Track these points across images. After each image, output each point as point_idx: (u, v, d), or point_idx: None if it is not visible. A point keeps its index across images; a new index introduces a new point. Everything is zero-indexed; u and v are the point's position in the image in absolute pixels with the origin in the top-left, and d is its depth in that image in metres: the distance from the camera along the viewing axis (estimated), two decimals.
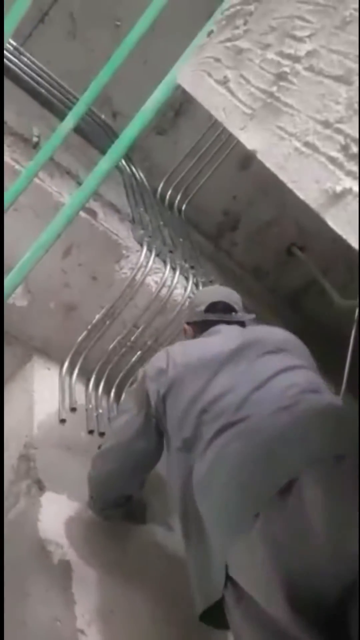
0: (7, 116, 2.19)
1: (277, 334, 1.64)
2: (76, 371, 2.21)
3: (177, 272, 2.28)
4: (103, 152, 2.86)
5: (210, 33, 0.97)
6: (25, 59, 2.69)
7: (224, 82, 0.88)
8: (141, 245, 2.24)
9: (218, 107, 0.87)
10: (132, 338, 2.27)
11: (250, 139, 0.81)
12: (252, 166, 3.23)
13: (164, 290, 2.23)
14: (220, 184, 3.23)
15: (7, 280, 1.48)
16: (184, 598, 1.32)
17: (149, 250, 2.24)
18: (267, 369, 1.39)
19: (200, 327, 1.73)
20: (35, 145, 2.30)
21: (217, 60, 0.92)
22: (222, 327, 1.66)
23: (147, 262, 2.20)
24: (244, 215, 3.37)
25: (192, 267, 2.43)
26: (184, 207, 3.19)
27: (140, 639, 1.41)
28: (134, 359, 2.30)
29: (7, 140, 2.08)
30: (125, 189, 2.76)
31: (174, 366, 1.48)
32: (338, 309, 2.98)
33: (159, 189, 3.13)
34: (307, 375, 1.41)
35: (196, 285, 2.34)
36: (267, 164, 0.76)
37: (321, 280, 3.13)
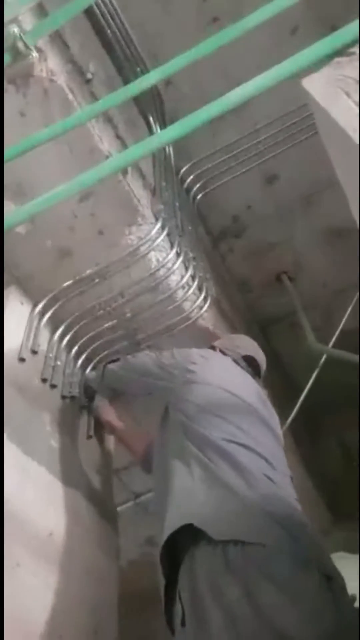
0: (72, 44, 2.10)
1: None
2: (48, 316, 2.14)
3: (180, 259, 2.24)
4: (143, 113, 2.83)
5: (350, 54, 0.95)
6: None
7: None
8: (157, 219, 2.19)
9: (356, 130, 0.85)
10: (114, 305, 2.22)
11: None
12: (276, 184, 3.24)
13: (162, 271, 2.19)
14: (241, 189, 3.21)
15: (27, 206, 1.42)
16: (98, 582, 1.29)
17: (162, 227, 2.19)
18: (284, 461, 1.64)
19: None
20: (88, 81, 2.22)
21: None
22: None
23: (157, 238, 2.15)
24: (251, 228, 3.37)
25: (194, 259, 2.40)
26: (199, 197, 3.16)
27: (36, 603, 1.38)
28: (106, 325, 2.26)
29: (67, 67, 1.99)
30: (153, 158, 2.70)
31: (212, 374, 1.72)
32: (307, 349, 3.02)
33: (182, 171, 3.08)
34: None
35: (193, 277, 2.31)
36: None
37: (301, 315, 3.17)
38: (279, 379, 3.47)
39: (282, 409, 3.06)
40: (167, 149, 2.94)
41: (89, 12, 2.54)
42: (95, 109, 1.60)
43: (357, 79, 0.90)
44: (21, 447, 1.64)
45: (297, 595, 1.08)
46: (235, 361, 1.93)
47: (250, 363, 1.99)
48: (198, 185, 3.13)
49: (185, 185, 3.09)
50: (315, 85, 0.98)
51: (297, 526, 1.29)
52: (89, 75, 2.22)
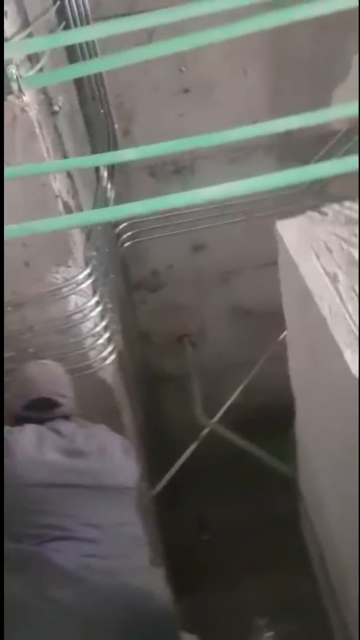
0: None
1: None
2: None
3: (99, 308, 2.25)
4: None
5: (324, 214, 1.02)
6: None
7: (334, 280, 0.90)
8: (87, 264, 2.20)
9: (323, 299, 0.88)
10: (21, 337, 2.17)
11: (355, 362, 0.82)
12: (201, 253, 3.38)
13: (78, 315, 2.19)
14: (168, 248, 3.31)
15: None
16: None
17: (90, 273, 2.20)
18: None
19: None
20: (54, 113, 2.22)
21: (329, 250, 0.96)
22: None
23: (82, 283, 2.15)
24: (167, 287, 3.47)
25: (111, 310, 2.42)
26: (127, 244, 3.21)
27: None
28: (6, 356, 2.19)
29: (39, 98, 1.98)
30: (95, 201, 2.71)
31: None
32: (193, 417, 3.11)
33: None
34: None
35: (105, 328, 2.32)
36: None
37: (194, 382, 3.26)
38: (159, 437, 3.51)
39: (157, 469, 3.10)
40: (110, 193, 2.97)
41: (69, 50, 2.55)
42: (63, 165, 1.61)
43: (330, 247, 0.96)
44: None
45: None
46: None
47: (44, 404, 1.71)
48: (129, 234, 3.18)
49: (117, 230, 3.13)
50: (290, 235, 1.03)
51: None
52: (56, 108, 2.21)
